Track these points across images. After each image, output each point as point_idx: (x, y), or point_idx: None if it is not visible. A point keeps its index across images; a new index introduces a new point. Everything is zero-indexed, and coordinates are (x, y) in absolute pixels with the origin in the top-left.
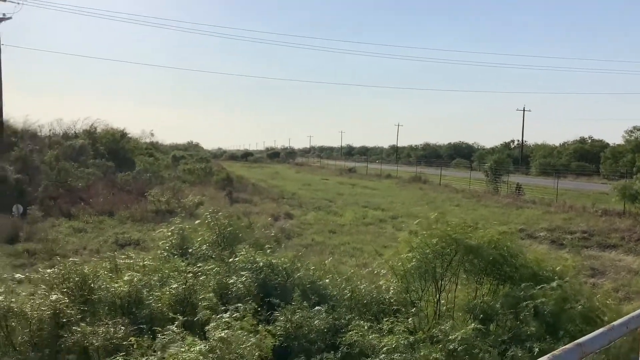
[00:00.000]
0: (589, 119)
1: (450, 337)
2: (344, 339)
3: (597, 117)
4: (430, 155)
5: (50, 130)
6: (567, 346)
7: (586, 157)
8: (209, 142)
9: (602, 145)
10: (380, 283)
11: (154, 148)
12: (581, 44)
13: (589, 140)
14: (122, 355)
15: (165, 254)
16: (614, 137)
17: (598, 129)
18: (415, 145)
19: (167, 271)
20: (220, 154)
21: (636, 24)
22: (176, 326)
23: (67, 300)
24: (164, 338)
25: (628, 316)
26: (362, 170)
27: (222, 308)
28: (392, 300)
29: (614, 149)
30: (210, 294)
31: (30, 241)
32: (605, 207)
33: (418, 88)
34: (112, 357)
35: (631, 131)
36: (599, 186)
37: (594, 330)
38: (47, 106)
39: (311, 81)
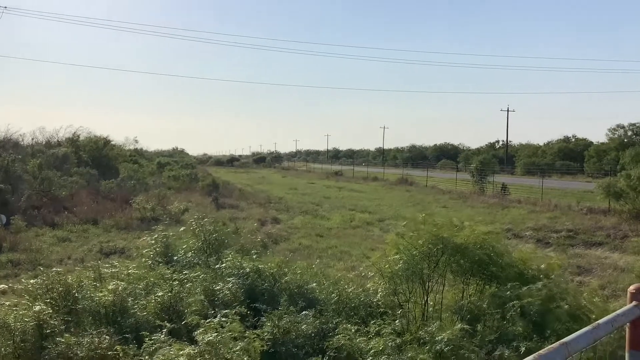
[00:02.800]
0: (572, 117)
1: (437, 338)
2: (331, 343)
3: (580, 116)
4: (417, 157)
5: (32, 139)
6: (552, 345)
7: (570, 155)
8: (195, 148)
9: (586, 144)
10: (368, 286)
11: (139, 155)
12: (563, 43)
13: (573, 139)
14: None
15: (150, 262)
16: (598, 135)
17: (581, 128)
18: (402, 147)
19: (152, 279)
20: (206, 160)
21: (616, 23)
22: (163, 333)
23: (51, 311)
24: (151, 344)
25: (612, 314)
26: (349, 173)
27: (211, 312)
28: (379, 303)
29: (598, 147)
30: (201, 297)
31: (13, 251)
32: (590, 205)
33: (403, 90)
34: None
35: (614, 129)
36: (583, 184)
37: (581, 329)
38: (30, 115)
39: (296, 85)
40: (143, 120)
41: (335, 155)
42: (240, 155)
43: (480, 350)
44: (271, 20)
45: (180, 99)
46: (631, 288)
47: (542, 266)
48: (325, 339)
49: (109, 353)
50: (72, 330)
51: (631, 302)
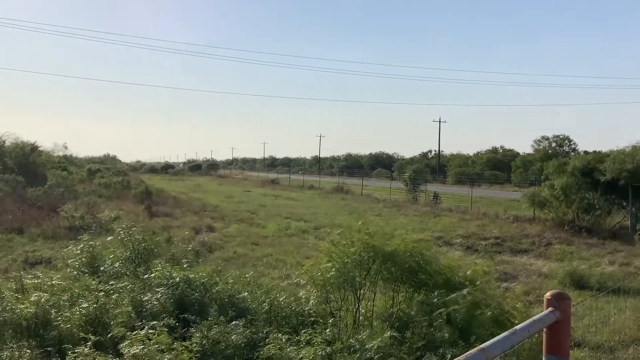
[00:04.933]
0: (500, 129)
1: (367, 346)
2: (261, 352)
3: (507, 128)
4: (352, 166)
5: None
6: (471, 351)
7: (498, 166)
8: (127, 155)
9: (513, 155)
10: (300, 294)
11: (68, 161)
12: (492, 57)
13: (501, 150)
14: None
15: (75, 272)
16: (524, 146)
17: (509, 139)
18: (338, 156)
19: (77, 290)
20: (139, 167)
21: (542, 37)
22: (88, 346)
23: None
24: (75, 358)
25: (529, 320)
26: (285, 182)
27: (139, 324)
28: (311, 312)
29: (524, 157)
30: (128, 308)
31: None
32: (516, 214)
33: (339, 100)
34: None
35: (539, 141)
36: (510, 194)
37: None
38: None
39: (233, 93)
40: (73, 126)
41: (272, 164)
42: (175, 163)
43: (408, 357)
44: (208, 28)
45: (112, 105)
46: (547, 294)
47: (468, 273)
48: (256, 349)
49: None
50: None
51: (547, 307)
